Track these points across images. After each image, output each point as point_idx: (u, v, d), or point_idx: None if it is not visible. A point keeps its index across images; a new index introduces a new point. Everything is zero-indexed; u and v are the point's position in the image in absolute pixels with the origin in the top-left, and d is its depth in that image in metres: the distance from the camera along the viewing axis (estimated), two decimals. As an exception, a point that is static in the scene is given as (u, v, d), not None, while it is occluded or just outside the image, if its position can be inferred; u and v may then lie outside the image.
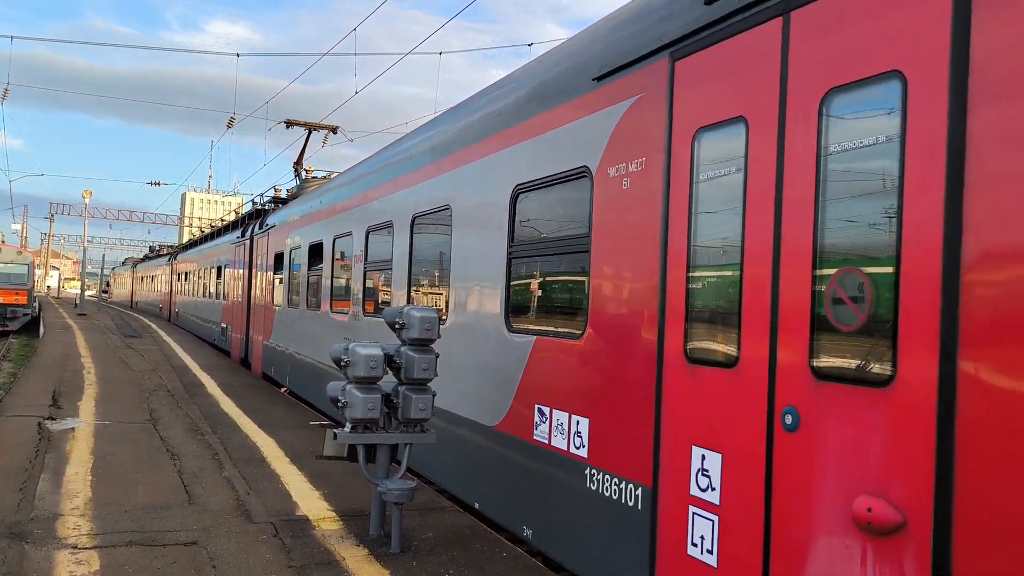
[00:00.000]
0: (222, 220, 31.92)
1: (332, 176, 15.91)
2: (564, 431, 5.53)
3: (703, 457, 4.22)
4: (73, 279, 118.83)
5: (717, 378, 4.15)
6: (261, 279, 17.00)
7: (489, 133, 6.97)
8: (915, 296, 3.10)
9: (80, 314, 39.36)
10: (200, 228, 52.92)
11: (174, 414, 11.38)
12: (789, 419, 3.69)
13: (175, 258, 37.74)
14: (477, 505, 6.80)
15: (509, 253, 6.46)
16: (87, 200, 45.74)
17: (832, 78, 3.55)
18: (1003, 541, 2.74)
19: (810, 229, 3.62)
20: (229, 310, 20.85)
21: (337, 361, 6.11)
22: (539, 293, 6.29)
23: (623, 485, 4.84)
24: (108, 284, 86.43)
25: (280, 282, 15.22)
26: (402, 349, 6.17)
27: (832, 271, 3.52)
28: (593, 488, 5.13)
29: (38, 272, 55.79)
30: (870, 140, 3.39)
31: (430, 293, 8.36)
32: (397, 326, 6.22)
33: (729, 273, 4.14)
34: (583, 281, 5.42)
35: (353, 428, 6.02)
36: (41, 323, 33.34)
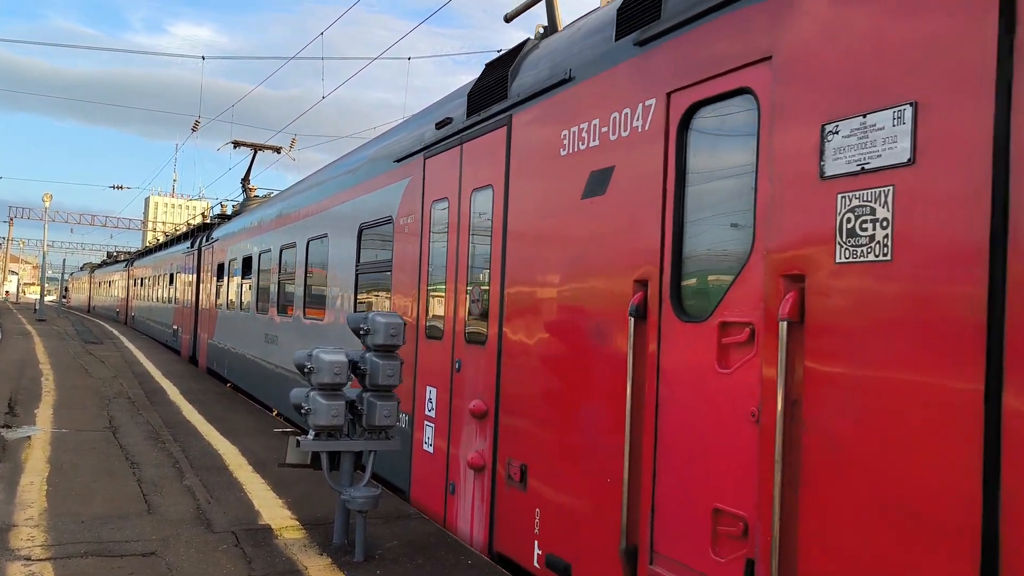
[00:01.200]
0: (177, 229, 34.65)
1: (270, 196, 18.15)
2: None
3: (428, 390, 7.23)
4: (33, 284, 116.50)
5: (435, 346, 7.12)
6: (207, 286, 19.07)
7: (348, 186, 9.96)
8: (492, 301, 6.15)
9: (40, 320, 38.59)
10: (164, 232, 52.28)
11: (135, 422, 11.17)
12: (458, 365, 6.67)
13: (131, 264, 38.75)
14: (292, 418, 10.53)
15: (357, 271, 9.37)
16: (47, 204, 44.94)
17: (478, 179, 6.60)
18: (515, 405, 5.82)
19: (498, 256, 6.18)
20: (180, 313, 22.92)
21: (301, 368, 6.04)
22: (369, 296, 9.28)
23: (400, 414, 7.38)
24: (67, 289, 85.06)
25: (222, 288, 17.37)
26: (367, 355, 6.12)
27: (471, 287, 6.58)
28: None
29: (-4, 277, 54.57)
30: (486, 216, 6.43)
31: (317, 298, 10.90)
32: (362, 332, 6.17)
33: (441, 287, 7.14)
34: (401, 287, 8.08)
35: (317, 435, 5.95)
36: (-2, 329, 32.63)
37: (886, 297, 3.11)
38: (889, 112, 3.18)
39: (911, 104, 3.09)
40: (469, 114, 6.92)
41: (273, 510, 7.05)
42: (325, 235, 10.51)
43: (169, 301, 25.56)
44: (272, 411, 12.67)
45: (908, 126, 3.10)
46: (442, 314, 6.99)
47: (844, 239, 3.31)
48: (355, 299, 9.40)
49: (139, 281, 34.80)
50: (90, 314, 55.24)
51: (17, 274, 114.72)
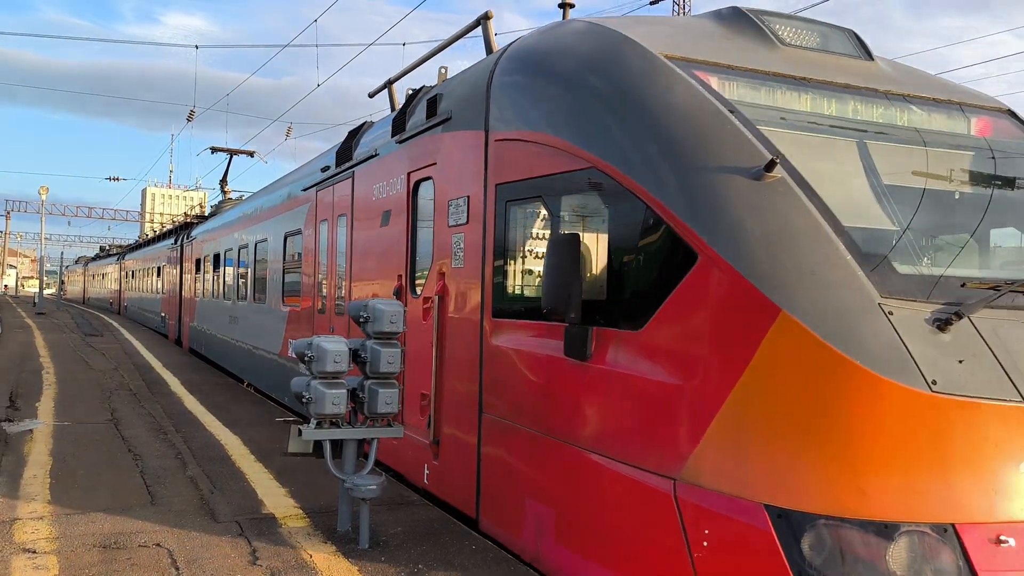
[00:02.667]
0: (174, 221, 38.00)
1: (242, 198, 21.24)
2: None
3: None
4: (31, 277, 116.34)
5: (320, 318, 10.16)
6: (188, 278, 22.01)
7: (278, 202, 13.08)
8: (345, 288, 9.28)
9: (39, 313, 38.54)
10: (161, 224, 52.31)
11: (136, 413, 11.17)
12: (332, 329, 9.56)
13: (123, 258, 41.65)
14: (254, 385, 13.97)
15: (284, 267, 12.34)
16: (44, 197, 44.80)
17: (339, 211, 9.59)
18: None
19: (348, 262, 9.18)
20: (166, 301, 25.90)
21: (301, 356, 6.01)
22: (290, 288, 11.93)
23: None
24: (63, 282, 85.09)
25: (199, 280, 20.33)
26: (367, 343, 6.10)
27: (338, 279, 9.56)
28: (299, 371, 10.86)
29: (-6, 271, 54.50)
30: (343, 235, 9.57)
31: (260, 287, 13.92)
32: (362, 319, 6.14)
33: (324, 279, 10.18)
34: (310, 273, 10.78)
35: (319, 424, 5.94)
36: (-2, 323, 32.60)
37: (462, 283, 6.55)
38: (462, 199, 6.57)
39: (466, 197, 6.51)
40: (336, 165, 10.01)
41: (277, 499, 7.06)
42: (265, 239, 13.73)
43: (157, 292, 28.26)
44: (243, 382, 14.98)
45: (465, 206, 6.51)
46: (325, 296, 10.28)
47: (454, 256, 6.69)
48: (282, 288, 12.44)
49: (130, 273, 37.80)
50: (85, 305, 55.44)
51: (15, 268, 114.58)
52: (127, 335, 25.64)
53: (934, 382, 3.91)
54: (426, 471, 7.10)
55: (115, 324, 31.01)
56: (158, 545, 5.79)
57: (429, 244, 7.17)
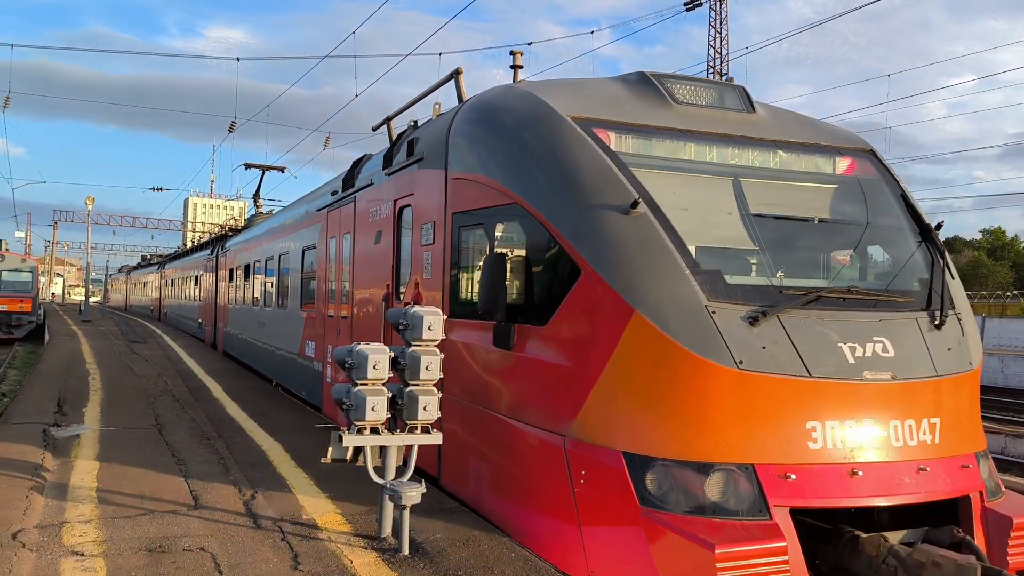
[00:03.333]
0: (210, 233, 40.71)
1: (272, 212, 22.79)
2: (313, 350, 12.74)
3: (328, 348, 11.63)
4: (77, 286, 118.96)
5: (331, 321, 11.68)
6: (223, 286, 23.49)
7: (297, 221, 14.73)
8: (350, 294, 10.84)
9: (84, 320, 39.37)
10: (202, 233, 53.30)
11: (180, 419, 11.34)
12: (338, 330, 11.27)
13: (163, 267, 43.39)
14: (280, 383, 15.28)
15: (302, 277, 13.77)
16: (90, 207, 45.82)
17: (345, 229, 11.24)
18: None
19: (351, 273, 10.75)
20: (203, 308, 27.46)
21: (341, 363, 6.07)
22: (307, 295, 13.38)
23: (317, 365, 12.34)
24: (106, 290, 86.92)
25: (232, 288, 21.82)
26: (407, 350, 6.12)
27: (344, 286, 11.13)
28: (314, 368, 12.58)
29: (42, 279, 55.87)
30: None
31: (283, 295, 15.36)
32: (401, 326, 6.17)
33: (334, 286, 11.65)
34: (319, 282, 12.48)
35: (359, 430, 5.97)
36: (46, 330, 33.34)
37: (430, 292, 7.90)
38: (430, 223, 7.98)
39: (432, 222, 7.92)
40: (342, 190, 11.53)
41: (318, 505, 7.11)
42: (287, 252, 15.16)
43: (194, 299, 29.91)
44: (272, 382, 16.03)
45: (432, 229, 7.90)
46: (331, 300, 11.79)
47: (424, 269, 8.08)
48: (301, 296, 13.82)
49: (170, 282, 39.60)
50: (127, 312, 56.60)
51: (63, 276, 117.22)
52: (170, 342, 26.07)
53: (741, 362, 5.35)
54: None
55: (158, 331, 31.56)
56: (202, 549, 5.87)
57: (409, 259, 8.75)
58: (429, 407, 6.01)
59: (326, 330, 11.93)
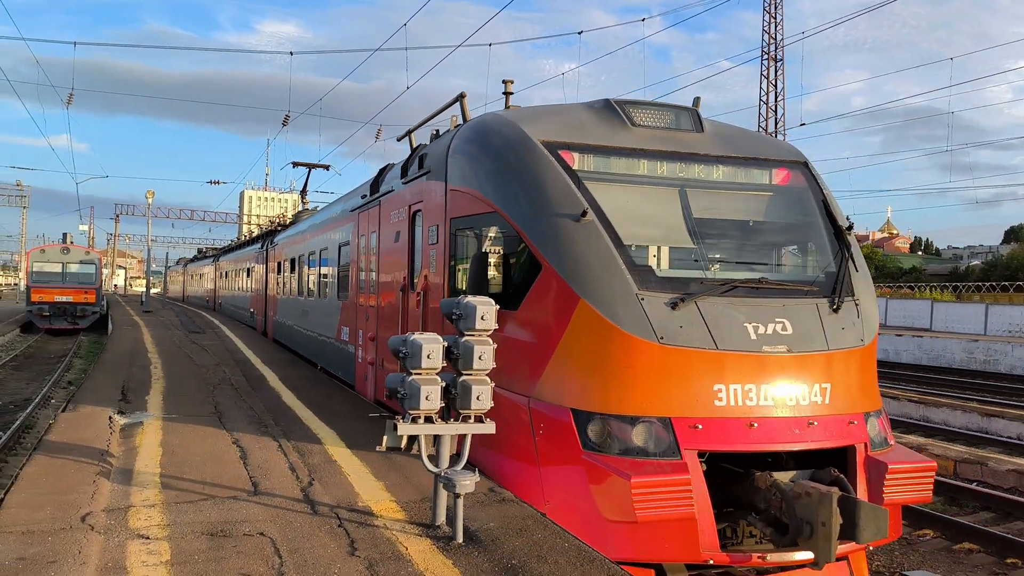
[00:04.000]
0: (260, 227, 42.69)
1: (317, 208, 24.15)
2: (353, 339, 13.65)
3: (359, 332, 13.16)
4: (139, 277, 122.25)
5: (360, 308, 13.21)
6: (272, 277, 25.13)
7: (334, 219, 16.26)
8: (377, 284, 12.17)
9: (146, 311, 40.45)
10: (258, 225, 54.41)
11: (238, 407, 11.60)
12: (367, 316, 12.81)
13: (218, 259, 45.48)
14: (322, 366, 16.69)
15: (338, 270, 15.34)
16: (150, 200, 46.96)
17: (372, 229, 12.62)
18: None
19: (377, 267, 12.22)
20: (254, 298, 29.24)
21: (395, 352, 6.13)
22: (342, 286, 14.90)
23: (351, 348, 13.70)
24: (166, 281, 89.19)
25: (280, 280, 23.34)
26: (460, 340, 6.16)
27: (373, 276, 12.46)
28: (348, 350, 13.91)
29: (105, 271, 57.53)
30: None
31: (323, 286, 17.10)
32: (454, 316, 6.21)
33: (363, 277, 13.16)
34: (352, 275, 13.89)
35: (413, 419, 6.03)
36: (109, 321, 34.35)
37: (435, 282, 9.35)
38: (435, 226, 9.32)
39: (436, 225, 9.32)
40: (370, 195, 12.82)
41: (373, 492, 7.21)
42: (326, 247, 16.69)
43: (246, 290, 31.90)
44: (317, 366, 17.33)
45: (436, 231, 9.32)
46: (361, 291, 13.24)
47: (431, 264, 9.51)
48: (337, 286, 15.35)
49: (224, 274, 41.46)
50: (184, 303, 58.11)
51: (124, 268, 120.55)
52: (227, 332, 26.63)
53: (661, 338, 6.65)
54: None
55: (216, 321, 32.27)
56: (261, 534, 6.00)
57: (420, 255, 10.09)
58: (482, 397, 6.04)
59: (357, 317, 13.44)
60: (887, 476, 6.81)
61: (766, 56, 43.29)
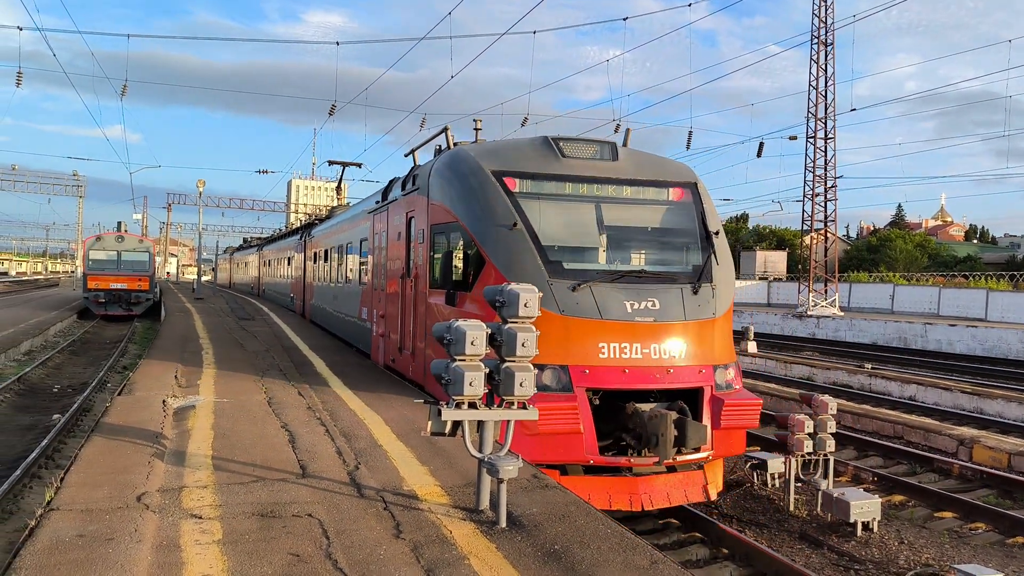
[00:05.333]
0: (308, 215, 46.17)
1: (350, 204, 27.07)
2: (370, 317, 16.26)
3: (373, 311, 15.97)
4: (190, 265, 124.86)
5: (374, 293, 15.97)
6: (309, 265, 27.73)
7: (356, 218, 18.85)
8: (386, 273, 14.94)
9: (197, 298, 41.33)
10: (306, 214, 55.26)
11: (287, 392, 11.82)
12: (379, 299, 15.68)
13: (262, 249, 48.01)
14: (349, 341, 18.95)
15: (360, 261, 17.78)
16: (201, 189, 47.79)
17: (382, 228, 15.60)
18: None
19: (384, 260, 15.15)
20: (294, 285, 31.86)
21: (440, 339, 6.20)
22: (362, 275, 17.34)
23: (367, 325, 16.64)
24: (214, 269, 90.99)
25: (315, 268, 26.10)
26: (503, 327, 6.20)
27: (382, 266, 15.43)
28: (366, 327, 16.64)
29: (158, 259, 58.82)
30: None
31: (348, 275, 19.64)
32: (498, 304, 6.25)
33: (374, 267, 16.20)
34: (369, 265, 16.61)
35: (457, 405, 6.10)
36: (162, 307, 35.17)
37: (420, 272, 12.21)
38: (421, 229, 12.19)
39: (423, 229, 12.15)
40: (381, 201, 15.64)
41: (417, 477, 7.31)
42: (351, 242, 19.28)
43: (287, 277, 34.64)
44: (352, 346, 19.02)
45: (422, 234, 12.15)
46: (371, 279, 16.20)
47: (418, 258, 12.45)
48: (359, 276, 17.89)
49: (267, 262, 44.07)
50: (231, 289, 59.49)
51: (176, 256, 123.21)
52: (275, 319, 27.11)
53: (563, 311, 9.16)
54: (409, 366, 12.98)
55: (264, 308, 32.85)
56: (310, 515, 6.13)
57: (412, 251, 12.87)
58: (525, 383, 6.08)
59: (372, 299, 16.29)
60: (724, 409, 9.37)
61: (816, 40, 42.40)
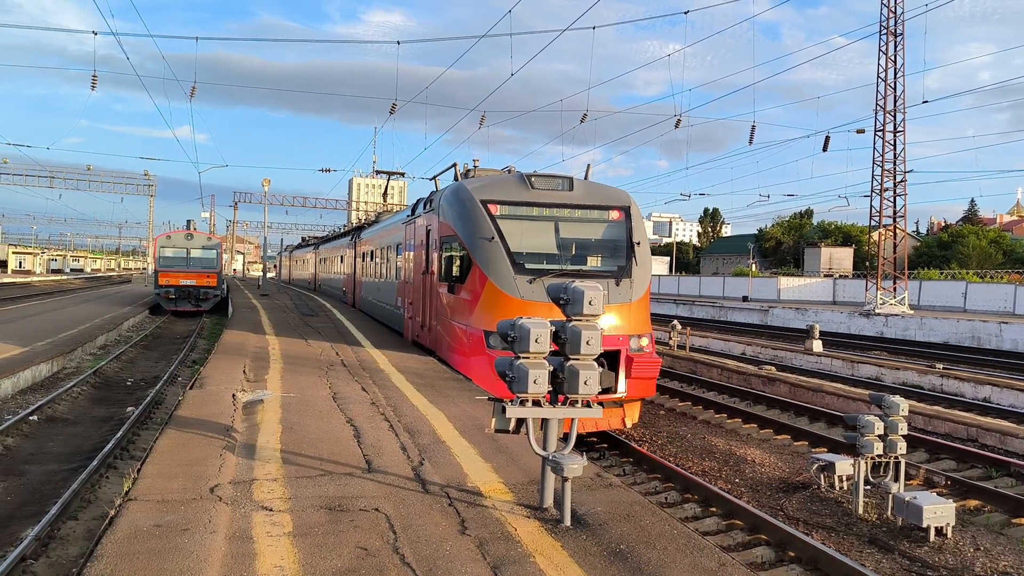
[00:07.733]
0: (366, 213, 50.96)
1: (395, 210, 33.40)
2: (402, 304, 20.62)
3: (405, 300, 20.25)
4: (255, 262, 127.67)
5: (406, 287, 20.31)
6: (359, 263, 32.14)
7: (394, 225, 23.48)
8: (411, 273, 19.94)
9: (263, 295, 42.25)
10: (366, 212, 56.53)
11: (351, 388, 12.00)
12: (408, 291, 20.21)
13: (318, 247, 53.68)
14: (388, 324, 23.69)
15: (396, 262, 22.26)
16: (266, 188, 48.78)
17: (410, 237, 20.21)
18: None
19: (413, 262, 19.68)
20: (346, 281, 36.30)
21: (504, 336, 6.21)
22: (399, 272, 21.70)
23: (401, 311, 20.93)
24: (275, 266, 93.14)
25: (364, 266, 30.40)
26: (568, 324, 6.19)
27: (411, 266, 20.00)
28: (400, 313, 20.98)
29: (225, 256, 60.31)
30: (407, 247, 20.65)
31: (387, 272, 23.88)
32: (562, 301, 6.24)
33: (403, 267, 21.10)
34: (402, 264, 21.16)
35: (521, 402, 6.10)
36: (229, 303, 36.05)
37: (435, 270, 16.59)
38: (436, 239, 16.50)
39: (437, 239, 16.39)
40: (411, 215, 19.60)
41: (481, 473, 7.35)
42: (388, 246, 23.48)
43: (340, 274, 39.36)
44: (390, 328, 22.77)
45: (437, 243, 16.44)
46: (407, 274, 19.74)
47: (433, 260, 16.69)
48: (396, 273, 21.78)
49: (323, 260, 49.38)
50: (290, 285, 61.36)
51: (243, 254, 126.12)
52: (338, 315, 27.55)
53: (523, 296, 13.17)
54: (427, 339, 16.94)
55: (326, 304, 33.43)
56: (376, 510, 6.22)
57: (430, 256, 16.68)
58: (590, 381, 6.04)
59: (404, 290, 20.29)
60: (632, 365, 12.96)
61: (885, 30, 41.22)
